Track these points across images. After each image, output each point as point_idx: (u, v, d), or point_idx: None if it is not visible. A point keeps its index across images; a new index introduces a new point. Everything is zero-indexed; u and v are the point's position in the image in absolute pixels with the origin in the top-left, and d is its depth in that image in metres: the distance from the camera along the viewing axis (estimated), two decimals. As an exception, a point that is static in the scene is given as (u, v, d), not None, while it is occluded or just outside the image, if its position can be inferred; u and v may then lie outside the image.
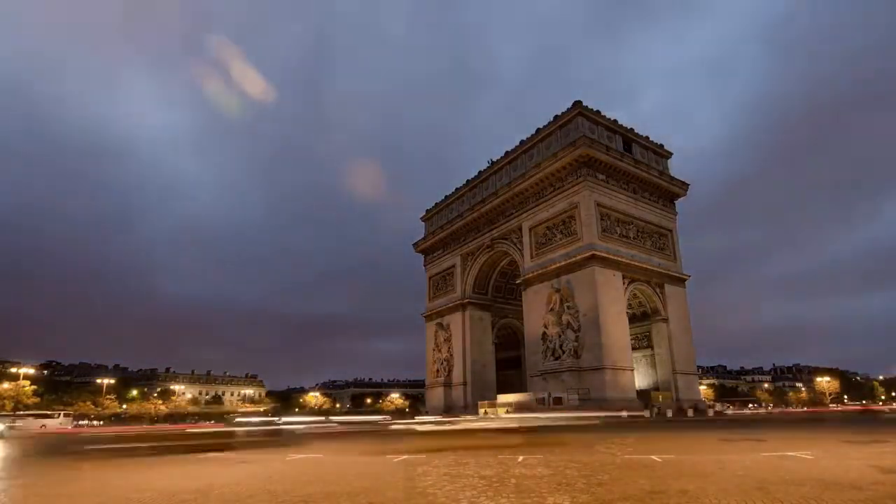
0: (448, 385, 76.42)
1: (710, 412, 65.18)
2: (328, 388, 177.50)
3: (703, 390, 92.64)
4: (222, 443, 21.71)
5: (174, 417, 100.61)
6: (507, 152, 71.66)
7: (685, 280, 64.23)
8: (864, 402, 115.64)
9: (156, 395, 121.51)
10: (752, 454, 13.27)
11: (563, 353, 55.69)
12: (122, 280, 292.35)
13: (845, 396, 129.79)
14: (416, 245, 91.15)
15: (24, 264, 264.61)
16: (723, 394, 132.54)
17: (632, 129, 65.28)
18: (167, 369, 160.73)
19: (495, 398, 63.87)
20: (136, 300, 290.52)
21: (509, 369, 77.89)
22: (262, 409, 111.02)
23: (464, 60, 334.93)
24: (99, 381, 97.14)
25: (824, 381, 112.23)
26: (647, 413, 48.96)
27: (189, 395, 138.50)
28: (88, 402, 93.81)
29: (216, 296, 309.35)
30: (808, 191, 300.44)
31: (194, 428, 39.15)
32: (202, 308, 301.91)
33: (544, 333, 58.50)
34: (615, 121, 63.62)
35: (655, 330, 61.25)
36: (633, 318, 60.55)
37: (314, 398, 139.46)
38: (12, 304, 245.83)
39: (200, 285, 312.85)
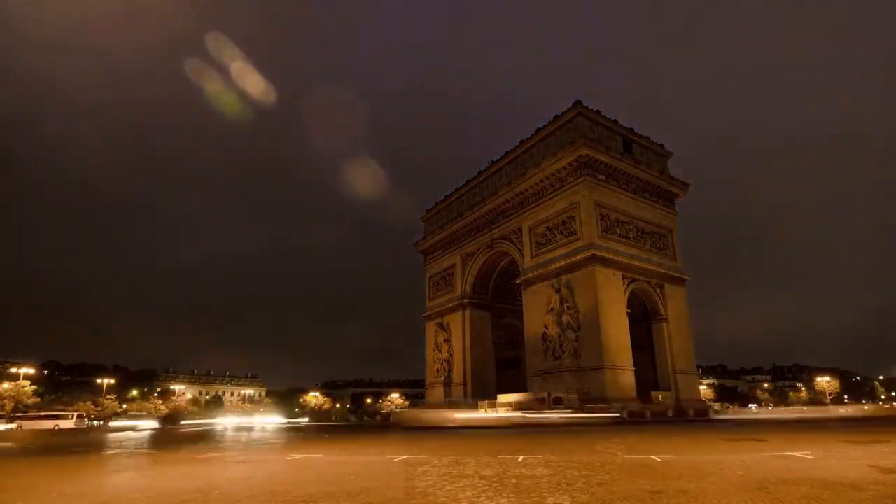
0: (448, 385, 76.43)
1: (711, 412, 65.15)
2: (329, 388, 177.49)
3: (703, 390, 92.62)
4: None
5: None
6: (507, 152, 71.59)
7: (685, 280, 64.22)
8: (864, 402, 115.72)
9: (156, 394, 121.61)
10: (752, 454, 13.26)
11: (563, 353, 55.69)
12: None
13: (845, 396, 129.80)
14: (416, 245, 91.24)
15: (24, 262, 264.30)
16: (723, 394, 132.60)
17: (632, 129, 65.25)
18: (167, 369, 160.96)
19: (495, 398, 63.75)
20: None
21: (509, 369, 77.80)
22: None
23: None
24: (99, 381, 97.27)
25: (824, 381, 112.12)
26: (647, 413, 48.95)
27: (189, 395, 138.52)
28: (88, 402, 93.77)
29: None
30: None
31: None
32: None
33: (544, 333, 58.50)
34: (615, 121, 63.60)
35: (655, 330, 61.22)
36: (632, 318, 60.47)
37: (314, 398, 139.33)
38: (12, 305, 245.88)
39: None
